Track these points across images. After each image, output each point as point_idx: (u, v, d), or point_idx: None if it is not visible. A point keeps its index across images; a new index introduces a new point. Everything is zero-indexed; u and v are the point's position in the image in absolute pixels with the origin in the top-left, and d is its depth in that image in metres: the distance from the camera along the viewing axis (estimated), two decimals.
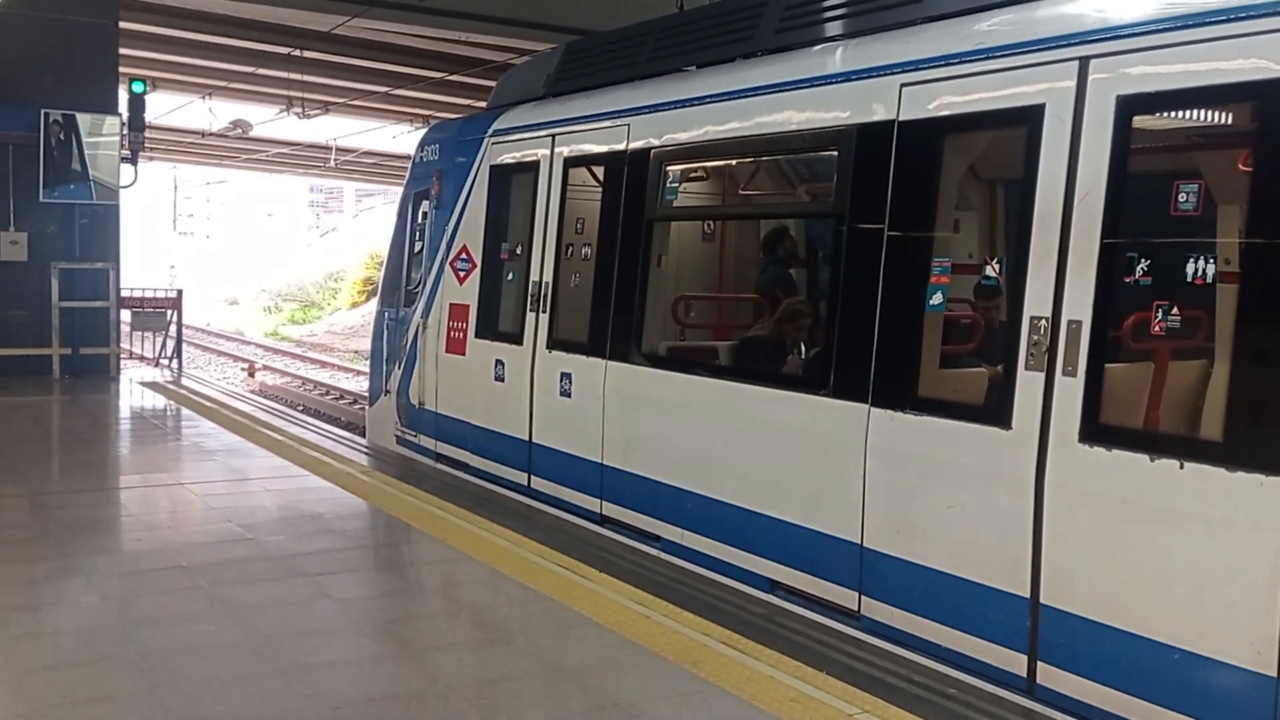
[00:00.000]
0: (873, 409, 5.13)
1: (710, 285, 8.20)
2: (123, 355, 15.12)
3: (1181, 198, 4.07)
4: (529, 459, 7.81)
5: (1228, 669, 3.84)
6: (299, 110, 21.96)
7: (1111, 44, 4.35)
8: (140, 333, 16.33)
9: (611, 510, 6.97)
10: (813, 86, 5.76)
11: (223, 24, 17.17)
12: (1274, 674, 3.72)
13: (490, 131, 8.68)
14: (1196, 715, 3.95)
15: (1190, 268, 4.02)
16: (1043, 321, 4.45)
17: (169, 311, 15.64)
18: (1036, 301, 4.49)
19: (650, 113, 6.95)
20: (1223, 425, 4.02)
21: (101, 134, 13.85)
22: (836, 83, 5.61)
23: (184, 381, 14.22)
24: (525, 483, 7.84)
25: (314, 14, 15.30)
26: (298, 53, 18.25)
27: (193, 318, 32.44)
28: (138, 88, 14.38)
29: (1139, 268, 4.20)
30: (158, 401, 12.42)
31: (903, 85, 5.17)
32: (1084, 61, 4.43)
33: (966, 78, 4.90)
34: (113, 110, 14.06)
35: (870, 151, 5.29)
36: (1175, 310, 4.12)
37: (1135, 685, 4.11)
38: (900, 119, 5.16)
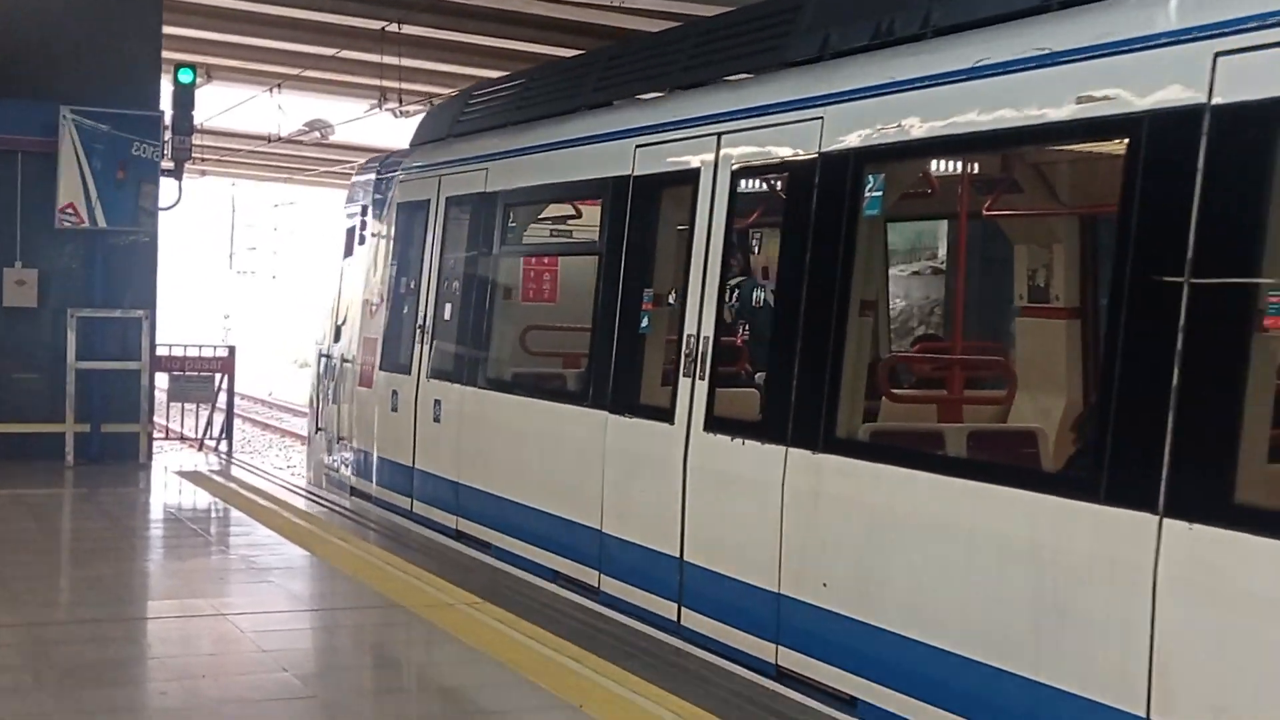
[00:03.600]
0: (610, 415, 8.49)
1: (539, 316, 11.47)
2: (157, 434, 15.57)
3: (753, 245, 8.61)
4: (412, 484, 10.94)
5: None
6: (394, 105, 22.50)
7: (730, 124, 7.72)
8: (180, 404, 16.78)
9: (464, 525, 10.22)
10: (587, 145, 9.28)
11: None
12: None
13: (401, 168, 11.87)
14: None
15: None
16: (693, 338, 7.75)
17: (217, 376, 16.02)
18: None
19: (505, 158, 10.26)
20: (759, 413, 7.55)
21: (137, 137, 14.19)
22: (598, 142, 9.14)
23: (234, 471, 14.56)
24: (409, 508, 10.89)
25: None
26: (395, 28, 18.71)
27: (250, 385, 33.50)
28: (185, 77, 14.92)
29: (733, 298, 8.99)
30: (199, 498, 12.71)
31: (636, 146, 8.53)
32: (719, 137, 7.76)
33: (662, 143, 8.32)
34: (153, 108, 14.59)
35: (617, 197, 8.74)
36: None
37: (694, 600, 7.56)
38: (634, 174, 8.54)
